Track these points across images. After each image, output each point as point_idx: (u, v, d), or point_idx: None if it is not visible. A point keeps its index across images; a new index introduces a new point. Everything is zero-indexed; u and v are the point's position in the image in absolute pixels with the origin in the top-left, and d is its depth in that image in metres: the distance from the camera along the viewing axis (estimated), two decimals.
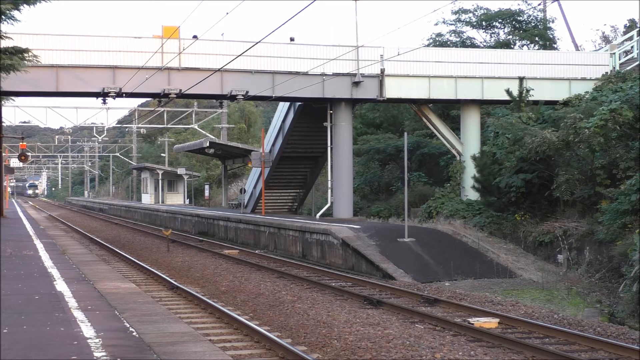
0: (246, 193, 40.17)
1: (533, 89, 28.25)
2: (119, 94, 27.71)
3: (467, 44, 43.67)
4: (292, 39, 29.80)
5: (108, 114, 61.72)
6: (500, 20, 44.39)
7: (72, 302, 10.78)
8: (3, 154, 40.67)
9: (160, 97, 28.68)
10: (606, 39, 45.05)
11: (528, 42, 43.33)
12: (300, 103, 32.17)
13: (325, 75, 29.11)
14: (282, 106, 35.04)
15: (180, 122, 63.83)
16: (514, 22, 44.42)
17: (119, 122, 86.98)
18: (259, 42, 23.69)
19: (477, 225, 25.74)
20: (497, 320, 13.71)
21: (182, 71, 27.98)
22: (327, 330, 12.92)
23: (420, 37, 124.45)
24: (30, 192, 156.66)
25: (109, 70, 27.56)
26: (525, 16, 44.27)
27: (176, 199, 62.49)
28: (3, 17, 22.06)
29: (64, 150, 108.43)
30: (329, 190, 31.42)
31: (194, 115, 58.54)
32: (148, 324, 9.51)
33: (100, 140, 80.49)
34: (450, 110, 37.87)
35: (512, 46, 43.21)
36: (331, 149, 30.99)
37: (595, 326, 13.64)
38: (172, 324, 9.69)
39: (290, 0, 64.71)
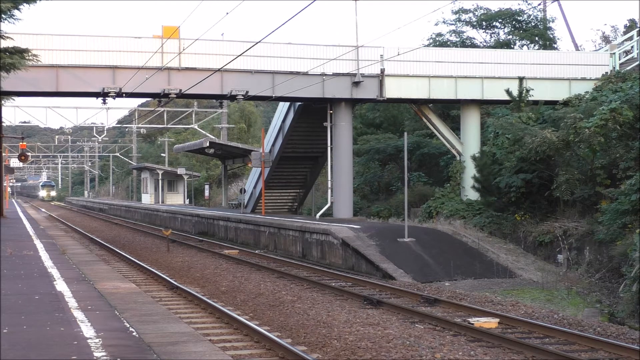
0: (246, 193, 40.17)
1: (533, 89, 28.26)
2: (119, 94, 27.70)
3: (467, 44, 43.68)
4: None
5: (108, 114, 61.73)
6: (500, 20, 44.42)
7: (72, 302, 10.78)
8: (3, 154, 40.66)
9: (160, 97, 28.68)
10: (606, 39, 45.08)
11: (528, 42, 43.35)
12: (300, 103, 32.17)
13: (325, 75, 29.11)
14: (282, 106, 35.04)
15: (180, 122, 63.84)
16: (514, 22, 44.44)
17: (119, 122, 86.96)
18: (259, 42, 23.69)
19: (477, 225, 25.74)
20: (497, 320, 13.70)
21: (182, 71, 27.98)
22: (327, 330, 12.92)
23: (420, 37, 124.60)
24: (43, 193, 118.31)
25: (109, 70, 27.56)
26: (525, 16, 44.29)
27: (176, 199, 62.48)
28: (3, 16, 22.07)
29: (64, 150, 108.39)
30: (329, 190, 31.41)
31: (194, 115, 58.55)
32: (148, 324, 9.51)
33: (100, 140, 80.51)
34: (450, 110, 37.87)
35: (512, 46, 43.23)
36: (331, 149, 30.99)
37: (595, 326, 13.64)
38: (172, 324, 9.69)
39: (290, 0, 64.73)
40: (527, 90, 27.93)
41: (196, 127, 59.27)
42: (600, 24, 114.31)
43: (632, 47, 32.19)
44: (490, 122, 29.45)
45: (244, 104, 64.83)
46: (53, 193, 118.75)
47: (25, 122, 78.71)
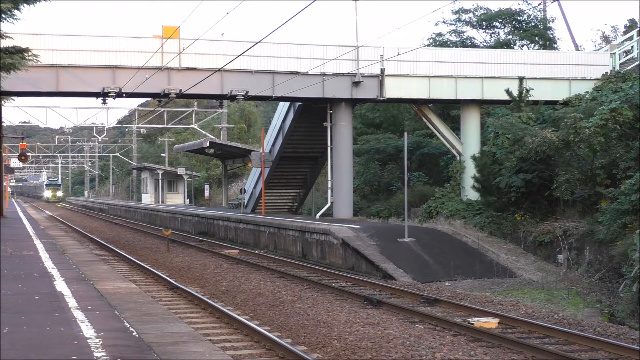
0: (246, 193, 40.17)
1: (533, 89, 28.25)
2: (119, 94, 27.71)
3: (467, 44, 43.68)
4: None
5: (108, 114, 61.75)
6: (500, 20, 44.43)
7: (72, 302, 10.78)
8: (3, 154, 40.66)
9: (160, 97, 28.68)
10: (606, 39, 45.07)
11: (528, 42, 43.34)
12: (300, 103, 32.17)
13: (325, 75, 29.11)
14: (282, 106, 35.04)
15: (180, 122, 63.84)
16: (514, 22, 44.45)
17: (119, 122, 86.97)
18: (259, 42, 23.70)
19: (477, 225, 25.74)
20: (497, 320, 13.70)
21: (182, 71, 27.98)
22: (327, 330, 12.92)
23: (420, 37, 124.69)
24: (48, 194, 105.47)
25: (109, 70, 27.56)
26: (525, 16, 44.30)
27: (176, 199, 62.49)
28: (3, 16, 22.07)
29: (64, 150, 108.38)
30: (329, 190, 31.41)
31: (194, 115, 58.55)
32: (148, 324, 9.51)
33: (100, 140, 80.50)
34: (450, 110, 37.87)
35: (512, 46, 43.22)
36: (331, 149, 30.99)
37: (595, 326, 13.64)
38: (172, 324, 9.69)
39: (291, 0, 64.74)
40: (527, 90, 27.92)
41: (196, 127, 59.27)
42: (600, 24, 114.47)
43: (632, 47, 32.18)
44: (490, 122, 29.45)
45: (244, 104, 64.83)
46: (59, 193, 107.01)
47: (25, 122, 78.67)
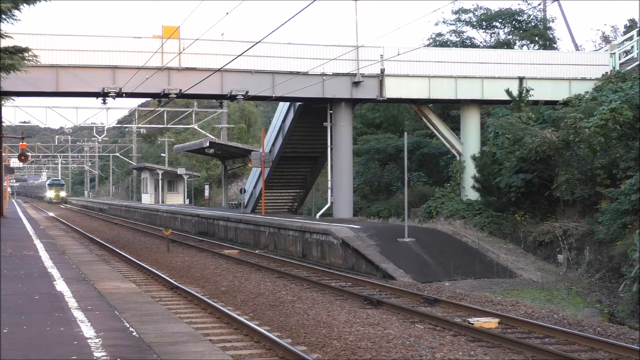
0: (246, 193, 40.18)
1: (533, 89, 28.25)
2: (119, 94, 27.71)
3: (467, 44, 43.70)
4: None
5: (108, 114, 61.81)
6: (500, 20, 44.44)
7: (72, 302, 10.78)
8: (3, 154, 40.66)
9: (160, 97, 28.68)
10: (606, 39, 45.07)
11: (528, 42, 43.36)
12: (300, 103, 32.17)
13: (325, 75, 29.11)
14: (282, 106, 35.05)
15: (180, 122, 63.85)
16: (514, 22, 44.47)
17: (119, 122, 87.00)
18: (259, 42, 23.70)
19: (477, 225, 25.74)
20: (497, 320, 13.70)
21: (182, 71, 27.98)
22: (327, 330, 12.92)
23: (420, 37, 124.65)
24: (51, 194, 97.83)
25: (109, 70, 27.56)
26: (525, 16, 44.32)
27: (176, 199, 62.49)
28: (3, 16, 22.08)
29: (64, 150, 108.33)
30: (329, 190, 31.42)
31: (194, 115, 58.55)
32: (148, 324, 9.51)
33: (100, 140, 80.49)
34: (450, 110, 37.88)
35: (512, 46, 43.23)
36: (331, 149, 30.99)
37: (595, 326, 13.64)
38: (172, 324, 9.69)
39: (291, 0, 64.77)
40: (527, 90, 27.91)
41: (196, 127, 59.27)
42: (600, 24, 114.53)
43: (632, 47, 32.18)
44: (490, 122, 29.45)
45: (244, 104, 64.83)
46: (63, 193, 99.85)
47: (25, 122, 78.61)
